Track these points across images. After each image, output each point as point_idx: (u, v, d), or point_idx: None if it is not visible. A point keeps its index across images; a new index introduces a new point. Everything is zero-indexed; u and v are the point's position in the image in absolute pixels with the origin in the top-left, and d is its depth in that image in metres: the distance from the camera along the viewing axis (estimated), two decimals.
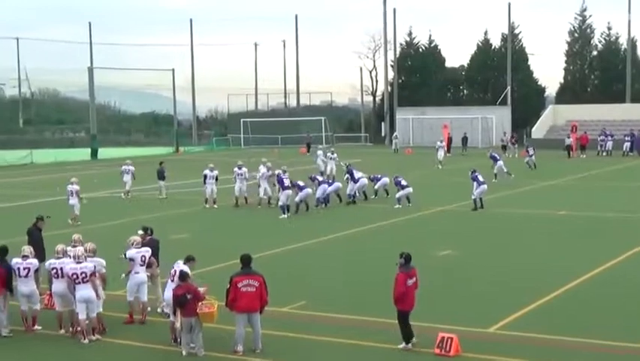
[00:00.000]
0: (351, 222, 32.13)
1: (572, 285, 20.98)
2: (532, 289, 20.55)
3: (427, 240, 28.29)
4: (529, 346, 15.90)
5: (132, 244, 18.30)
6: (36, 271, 17.69)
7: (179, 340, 16.00)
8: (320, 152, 52.26)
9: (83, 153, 76.77)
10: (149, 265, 18.34)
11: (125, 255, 18.27)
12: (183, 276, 16.01)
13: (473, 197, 35.38)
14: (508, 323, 17.48)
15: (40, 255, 19.30)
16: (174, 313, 15.92)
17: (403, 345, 15.86)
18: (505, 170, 47.10)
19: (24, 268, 17.54)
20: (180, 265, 16.70)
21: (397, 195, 36.53)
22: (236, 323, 15.76)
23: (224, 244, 27.54)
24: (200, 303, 15.82)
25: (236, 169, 37.60)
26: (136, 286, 18.05)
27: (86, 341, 16.68)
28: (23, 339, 17.18)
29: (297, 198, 35.05)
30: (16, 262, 17.64)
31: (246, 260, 15.97)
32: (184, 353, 15.82)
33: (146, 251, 18.25)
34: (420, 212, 34.77)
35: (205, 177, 37.54)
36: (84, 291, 16.82)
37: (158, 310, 18.46)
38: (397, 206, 36.03)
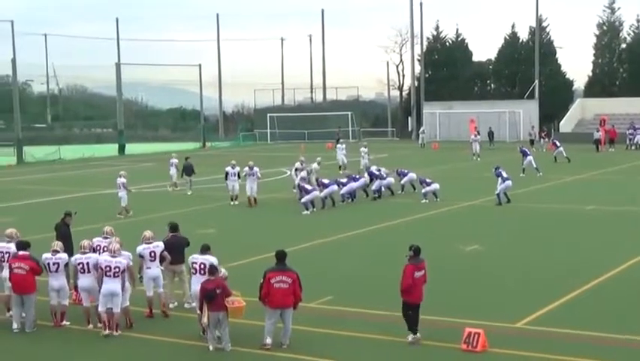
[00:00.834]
0: (377, 218, 32.11)
1: (601, 280, 20.87)
2: (559, 283, 20.47)
3: (453, 235, 28.24)
4: (557, 341, 15.84)
5: (143, 240, 18.47)
6: (65, 265, 17.84)
7: (207, 333, 16.08)
8: (340, 145, 52.83)
9: (111, 149, 77.24)
10: (162, 260, 18.46)
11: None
12: (213, 270, 16.11)
13: (497, 192, 35.34)
14: (535, 318, 17.42)
15: (69, 250, 19.46)
16: (200, 308, 15.98)
17: (411, 337, 15.97)
18: (535, 166, 46.83)
19: (54, 263, 17.69)
20: (199, 258, 17.05)
21: (423, 191, 36.53)
22: (266, 317, 15.84)
23: (250, 240, 27.65)
24: (228, 298, 15.90)
25: (246, 169, 37.28)
26: (151, 281, 18.18)
27: (107, 332, 16.82)
28: (48, 334, 17.32)
29: (322, 194, 35.11)
30: (45, 257, 17.81)
31: (280, 256, 16.03)
32: (211, 348, 15.91)
33: (155, 247, 18.33)
34: (446, 207, 34.68)
35: (227, 173, 37.53)
36: (111, 285, 16.95)
37: (186, 305, 18.57)
38: (424, 201, 36.01)
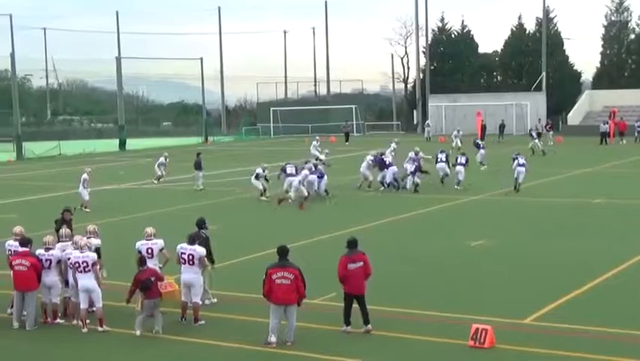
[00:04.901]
0: (384, 212, 32.16)
1: (610, 274, 20.85)
2: (568, 279, 20.46)
3: (460, 229, 28.28)
4: (566, 337, 15.84)
5: (144, 236, 18.58)
6: (58, 262, 17.85)
7: (137, 318, 16.74)
8: (316, 143, 54.55)
9: (111, 144, 77.27)
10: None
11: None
12: (143, 262, 17.10)
13: (515, 176, 37.01)
14: (544, 314, 17.41)
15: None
16: (130, 296, 16.86)
17: (344, 328, 16.48)
18: (480, 160, 47.31)
19: (46, 260, 17.76)
20: (187, 249, 17.46)
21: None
22: (270, 314, 15.89)
23: (254, 235, 27.69)
24: (160, 283, 16.84)
25: (259, 170, 37.33)
26: None
27: (85, 330, 17.02)
28: (49, 333, 17.36)
29: (387, 178, 37.98)
30: (39, 253, 17.87)
31: (281, 252, 16.08)
32: (138, 333, 16.58)
33: (154, 244, 18.34)
34: (452, 201, 34.69)
35: (257, 175, 37.42)
36: (85, 280, 17.11)
37: (207, 301, 18.57)
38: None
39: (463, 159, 39.12)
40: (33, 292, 17.55)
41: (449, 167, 39.76)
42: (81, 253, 17.27)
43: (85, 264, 17.11)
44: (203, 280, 18.06)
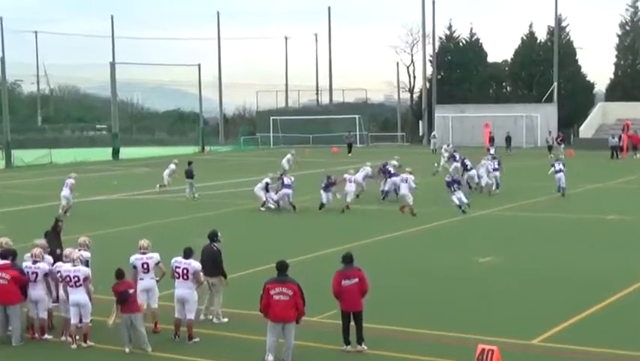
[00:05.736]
0: (389, 226, 32.23)
1: (623, 294, 20.82)
2: (579, 297, 20.43)
3: (468, 245, 28.27)
4: (575, 359, 15.80)
5: (139, 249, 18.52)
6: (45, 275, 17.78)
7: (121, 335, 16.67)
8: (289, 156, 54.95)
9: (104, 153, 77.29)
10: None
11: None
12: (121, 274, 16.96)
13: (557, 182, 40.50)
14: (553, 335, 17.38)
15: (53, 259, 19.21)
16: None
17: (344, 347, 16.48)
18: (385, 189, 40.60)
19: (32, 273, 17.69)
20: (182, 263, 17.52)
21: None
22: (268, 331, 15.82)
23: (253, 249, 27.67)
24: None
25: (268, 180, 37.98)
26: (144, 293, 18.03)
27: (75, 346, 16.98)
28: (37, 348, 17.31)
29: (386, 187, 39.13)
30: (25, 265, 17.82)
31: (280, 267, 16.04)
32: (127, 350, 16.52)
33: (149, 258, 18.25)
34: (460, 216, 34.64)
35: (267, 185, 37.92)
36: (76, 295, 17.10)
37: (215, 320, 18.57)
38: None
39: (495, 164, 42.58)
40: (15, 306, 17.47)
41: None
42: (73, 266, 17.23)
43: (76, 278, 17.09)
44: (215, 297, 18.30)
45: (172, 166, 45.97)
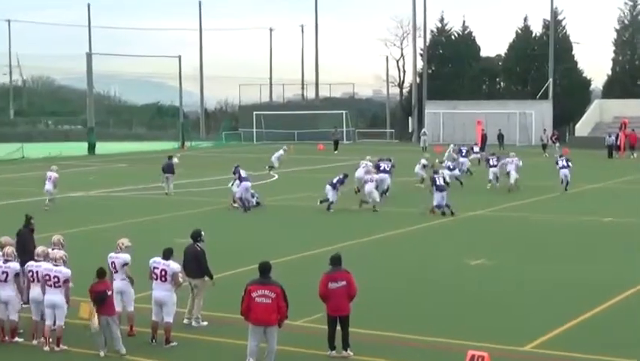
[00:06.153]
0: (380, 226, 32.34)
1: (618, 299, 20.91)
2: (573, 303, 20.51)
3: (459, 247, 28.31)
4: None
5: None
6: (16, 275, 17.72)
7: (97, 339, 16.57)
8: (281, 152, 55.92)
9: (80, 148, 77.02)
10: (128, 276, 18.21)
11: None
12: (102, 273, 16.85)
13: (560, 178, 42.84)
14: (545, 341, 17.43)
15: (28, 258, 18.90)
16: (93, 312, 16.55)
17: (329, 352, 16.48)
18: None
19: (2, 272, 17.59)
20: (160, 264, 17.44)
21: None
22: (249, 335, 15.78)
23: (238, 249, 27.67)
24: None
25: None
26: (118, 295, 17.89)
27: (47, 348, 16.93)
28: (10, 352, 17.28)
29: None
30: None
31: (263, 269, 15.96)
32: (102, 353, 16.47)
33: (116, 258, 18.14)
34: (454, 216, 34.67)
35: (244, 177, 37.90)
36: (52, 295, 17.02)
37: (193, 323, 18.55)
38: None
39: (494, 160, 44.70)
40: None
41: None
42: (55, 265, 17.17)
43: (56, 279, 17.00)
44: (197, 299, 18.32)
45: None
